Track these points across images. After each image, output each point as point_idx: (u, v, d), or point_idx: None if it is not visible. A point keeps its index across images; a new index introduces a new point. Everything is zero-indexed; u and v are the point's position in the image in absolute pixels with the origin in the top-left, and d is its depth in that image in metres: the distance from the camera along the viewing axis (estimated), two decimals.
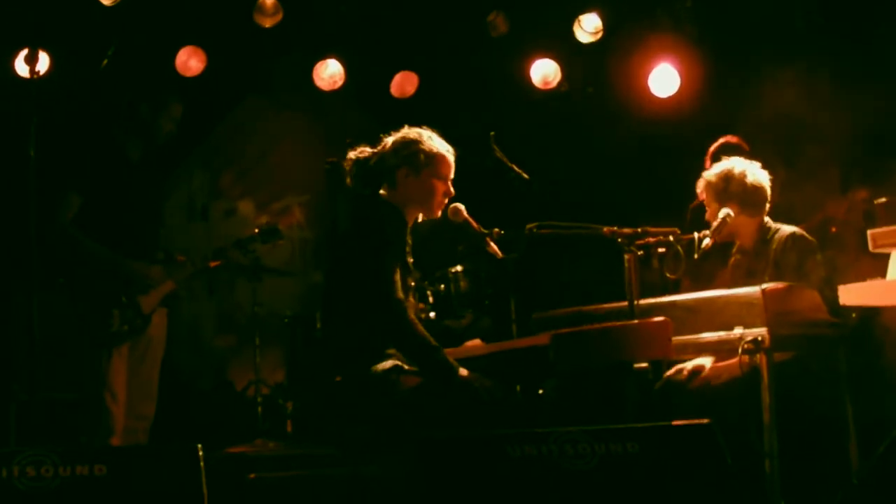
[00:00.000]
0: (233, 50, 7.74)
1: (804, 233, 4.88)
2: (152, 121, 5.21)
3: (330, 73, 7.92)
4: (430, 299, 6.80)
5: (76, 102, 6.96)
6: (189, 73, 7.50)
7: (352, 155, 4.36)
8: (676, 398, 4.73)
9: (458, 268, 6.99)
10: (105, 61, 7.10)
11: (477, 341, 4.65)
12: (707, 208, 4.96)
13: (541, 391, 4.68)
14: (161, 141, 5.28)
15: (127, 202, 5.17)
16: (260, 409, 7.15)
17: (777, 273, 4.68)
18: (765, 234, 4.89)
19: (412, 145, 4.24)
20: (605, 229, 4.24)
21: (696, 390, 4.68)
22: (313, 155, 8.31)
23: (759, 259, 4.89)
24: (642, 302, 4.31)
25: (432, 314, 6.78)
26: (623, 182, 7.82)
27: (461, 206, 4.33)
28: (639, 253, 4.24)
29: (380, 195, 4.25)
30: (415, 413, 3.92)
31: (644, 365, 4.55)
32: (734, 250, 5.03)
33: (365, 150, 4.35)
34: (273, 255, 7.78)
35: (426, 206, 4.28)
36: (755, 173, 4.89)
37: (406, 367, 4.02)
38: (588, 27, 7.60)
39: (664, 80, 7.57)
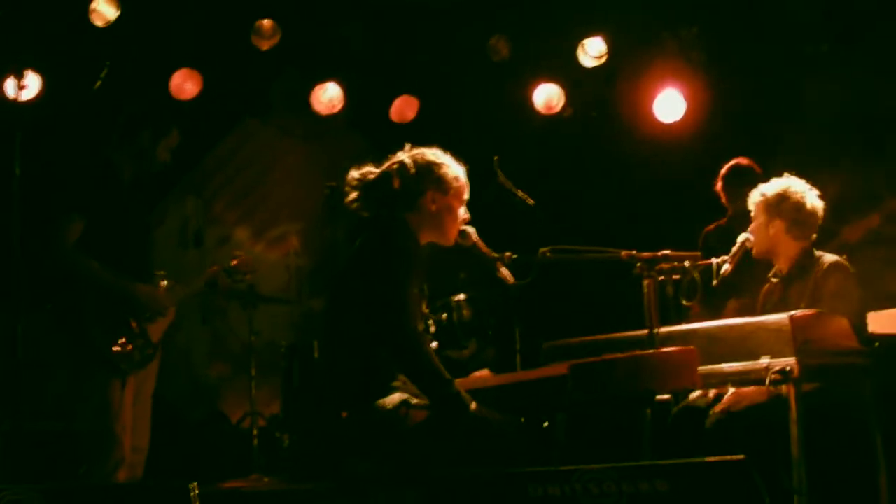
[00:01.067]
0: (229, 72, 7.63)
1: (845, 261, 4.75)
2: (151, 147, 5.06)
3: (329, 96, 7.81)
4: (432, 329, 6.61)
5: (69, 124, 6.77)
6: (184, 97, 7.35)
7: (356, 174, 4.07)
8: (693, 427, 4.54)
9: (461, 296, 6.84)
10: (98, 83, 6.93)
11: (485, 371, 4.42)
12: (753, 220, 4.82)
13: (546, 424, 4.48)
14: (156, 168, 5.13)
15: (123, 226, 4.98)
16: (255, 442, 6.94)
17: (814, 301, 4.51)
18: (807, 260, 4.74)
19: (438, 168, 4.01)
20: (624, 253, 4.04)
21: (715, 419, 4.48)
22: (310, 181, 8.14)
23: (794, 286, 4.75)
24: (661, 330, 4.10)
25: (434, 344, 6.56)
26: (628, 207, 7.66)
27: (471, 230, 4.12)
28: (659, 278, 4.04)
29: (401, 217, 4.00)
30: (423, 449, 3.69)
31: (666, 396, 4.35)
32: (770, 274, 4.88)
33: (371, 171, 4.08)
34: (268, 283, 7.71)
35: (444, 232, 4.05)
36: (813, 199, 4.81)
37: (414, 400, 3.79)
38: (592, 52, 7.46)
39: (670, 105, 7.43)
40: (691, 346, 3.74)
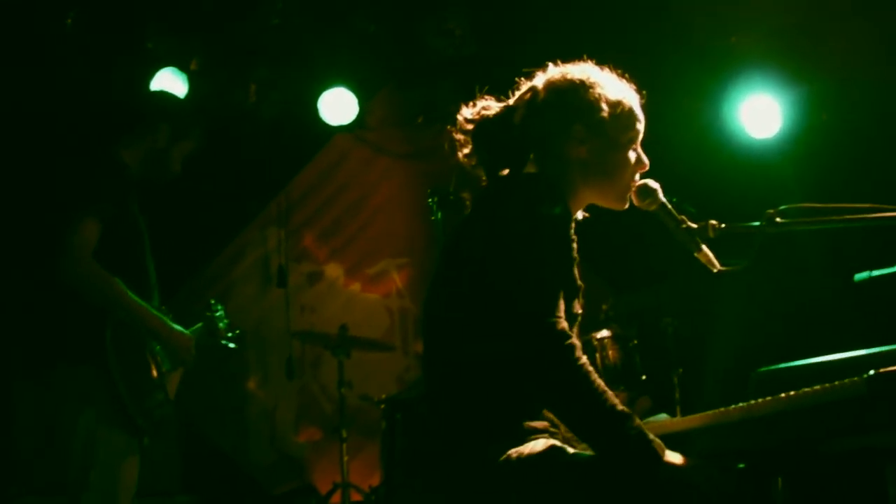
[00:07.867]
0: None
1: None
2: (167, 148, 4.06)
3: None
4: None
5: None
6: None
7: (468, 114, 2.79)
8: None
9: (605, 333, 5.69)
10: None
11: (663, 416, 3.15)
12: None
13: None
14: (166, 178, 4.12)
15: (138, 246, 3.91)
16: None
17: None
18: None
19: (585, 90, 2.69)
20: None
21: None
22: (414, 207, 7.21)
23: None
24: None
25: None
26: None
27: (655, 185, 2.71)
28: None
29: (538, 172, 2.71)
30: None
31: None
32: None
33: (489, 107, 2.79)
34: (366, 328, 6.96)
35: (609, 187, 2.72)
36: None
37: (570, 448, 2.48)
38: None
39: None
40: None
